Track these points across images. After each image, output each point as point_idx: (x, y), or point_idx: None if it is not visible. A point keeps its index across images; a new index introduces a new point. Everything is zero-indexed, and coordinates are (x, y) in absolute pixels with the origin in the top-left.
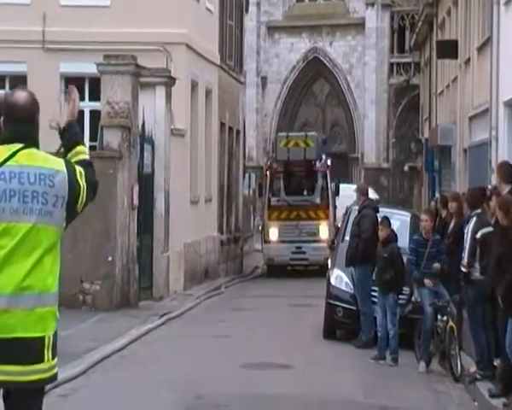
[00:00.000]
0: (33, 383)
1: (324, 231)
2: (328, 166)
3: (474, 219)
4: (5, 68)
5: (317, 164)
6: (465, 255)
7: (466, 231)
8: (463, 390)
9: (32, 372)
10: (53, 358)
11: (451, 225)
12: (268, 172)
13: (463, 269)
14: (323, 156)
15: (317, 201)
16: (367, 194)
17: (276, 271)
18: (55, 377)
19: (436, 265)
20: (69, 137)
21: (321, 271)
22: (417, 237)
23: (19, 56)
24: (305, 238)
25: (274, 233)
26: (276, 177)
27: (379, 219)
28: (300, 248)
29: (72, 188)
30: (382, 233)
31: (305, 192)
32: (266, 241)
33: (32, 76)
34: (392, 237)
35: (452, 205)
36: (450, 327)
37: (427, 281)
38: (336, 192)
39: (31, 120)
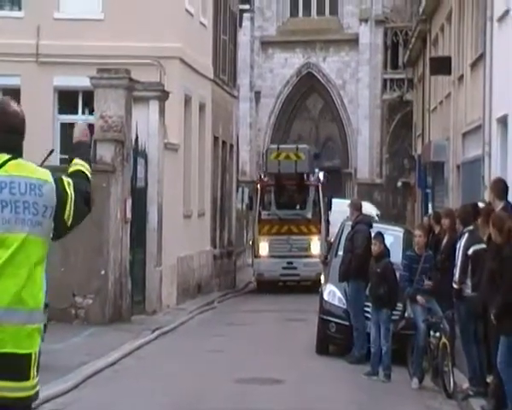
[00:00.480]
0: (22, 401)
1: (316, 246)
2: (320, 180)
3: (466, 235)
4: None
5: (309, 178)
6: (457, 272)
7: (458, 247)
8: (456, 407)
9: (21, 389)
10: (37, 375)
11: (444, 241)
12: (259, 186)
13: (455, 285)
14: (316, 170)
15: (309, 215)
16: (360, 209)
17: (266, 286)
18: (37, 395)
19: (428, 282)
20: (73, 154)
21: (313, 287)
22: (410, 252)
23: (12, 69)
24: (297, 253)
25: (264, 248)
26: (266, 190)
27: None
28: (291, 263)
29: (59, 197)
30: (376, 248)
31: (296, 206)
32: (256, 256)
33: (25, 89)
34: (385, 252)
35: (445, 221)
36: (442, 343)
37: (419, 298)
38: (329, 207)
39: (19, 132)
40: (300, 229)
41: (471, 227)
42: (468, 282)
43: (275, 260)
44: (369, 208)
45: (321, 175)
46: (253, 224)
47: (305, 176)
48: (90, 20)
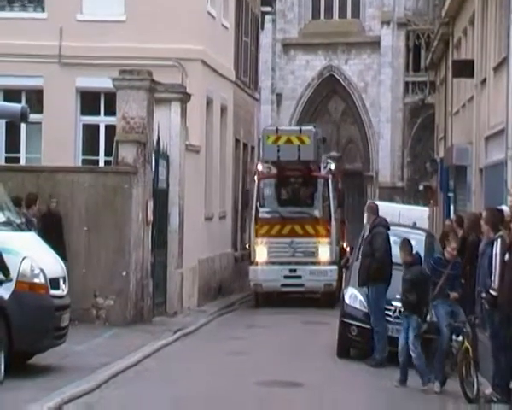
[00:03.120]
0: None
1: (325, 251)
2: (330, 170)
3: (499, 241)
4: (21, 82)
5: (318, 167)
6: (495, 278)
7: (494, 253)
8: None
9: None
10: None
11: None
12: (256, 178)
13: (494, 293)
14: (327, 160)
15: (317, 213)
16: (377, 212)
17: (265, 299)
18: None
19: (454, 294)
20: None
21: (323, 300)
22: (439, 255)
23: (35, 71)
24: (301, 259)
25: (262, 253)
26: (265, 183)
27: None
28: (295, 271)
29: None
30: (403, 257)
31: (301, 202)
32: (253, 262)
33: (48, 90)
34: (417, 259)
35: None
36: (465, 348)
37: (454, 294)
38: (341, 203)
39: None
40: (306, 230)
41: (501, 233)
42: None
43: (275, 267)
44: (421, 213)
45: (332, 165)
46: (250, 223)
47: (311, 165)
48: (112, 21)
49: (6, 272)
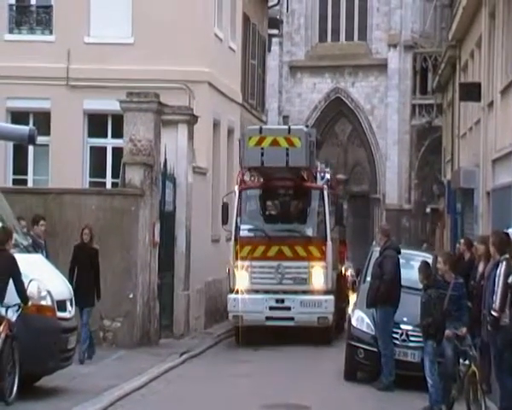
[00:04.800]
0: None
1: (319, 278)
2: (327, 179)
3: (504, 263)
4: (29, 104)
5: (313, 176)
6: (497, 300)
7: (497, 275)
8: None
9: None
10: None
11: (480, 268)
12: (236, 189)
13: (495, 314)
14: (320, 165)
15: (310, 232)
16: (389, 235)
17: (247, 335)
18: None
19: (462, 329)
20: None
21: (316, 337)
22: (439, 278)
23: (43, 93)
24: (291, 287)
25: (243, 279)
26: (248, 195)
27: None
28: (282, 301)
29: None
30: (422, 279)
31: (291, 219)
32: (232, 290)
33: (55, 112)
34: (431, 282)
35: (480, 248)
36: (472, 371)
37: (448, 332)
38: (339, 220)
39: None
40: (296, 252)
41: (507, 255)
42: (507, 311)
43: (258, 296)
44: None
45: (327, 174)
46: (230, 244)
47: (302, 172)
48: (120, 44)
49: (26, 299)
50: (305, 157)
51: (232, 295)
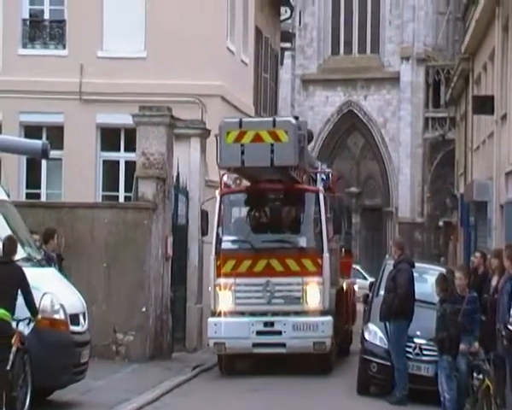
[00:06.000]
0: None
1: (315, 296)
2: (325, 181)
3: None
4: (42, 119)
5: (305, 176)
6: None
7: None
8: None
9: None
10: None
11: (494, 281)
12: (218, 194)
13: (511, 328)
14: (316, 163)
15: (303, 242)
16: (403, 248)
17: (232, 364)
18: None
19: (475, 345)
20: None
21: (314, 364)
22: (454, 292)
23: (56, 107)
24: (281, 308)
25: (226, 299)
26: (231, 200)
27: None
28: (272, 324)
29: None
30: (438, 292)
31: (281, 227)
32: (214, 312)
33: (68, 127)
34: (448, 295)
35: (494, 262)
36: (486, 385)
37: (462, 347)
38: (337, 228)
39: None
40: (287, 266)
41: None
42: None
43: (244, 319)
44: None
45: (324, 174)
46: (210, 258)
47: (292, 173)
48: (132, 58)
49: (35, 312)
50: (294, 154)
51: (213, 319)
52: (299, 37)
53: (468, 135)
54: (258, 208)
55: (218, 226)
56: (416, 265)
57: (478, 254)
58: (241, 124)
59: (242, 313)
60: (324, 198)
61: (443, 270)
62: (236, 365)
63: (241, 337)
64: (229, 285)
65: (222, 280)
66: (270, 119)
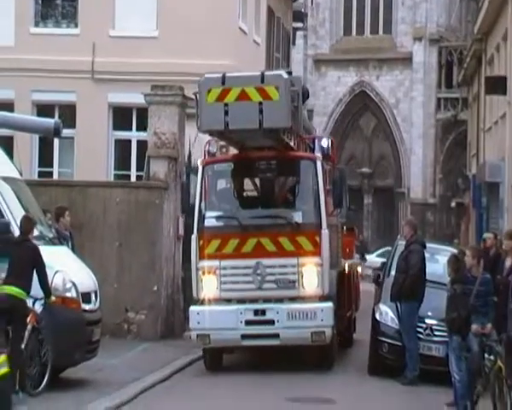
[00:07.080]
0: None
1: (312, 279)
2: (324, 149)
3: None
4: (55, 97)
5: (301, 141)
6: None
7: None
8: None
9: None
10: None
11: (507, 263)
12: (200, 165)
13: None
14: (310, 126)
15: (298, 218)
16: (416, 229)
17: (217, 358)
18: None
19: (488, 326)
20: None
21: (312, 357)
22: (466, 273)
23: (68, 86)
24: (274, 293)
25: (210, 284)
26: (215, 171)
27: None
28: (264, 313)
29: None
30: (450, 273)
31: (273, 201)
32: (196, 300)
33: (80, 105)
34: (459, 276)
35: (508, 243)
36: (498, 367)
37: (475, 327)
38: (339, 203)
39: None
40: (281, 245)
41: None
42: None
43: (231, 307)
44: None
45: (323, 141)
46: (192, 238)
47: (285, 137)
48: (144, 37)
49: (48, 292)
50: (287, 114)
51: (196, 307)
52: (311, 17)
53: (481, 116)
54: (246, 180)
55: (200, 201)
56: (428, 245)
57: (491, 234)
58: (224, 80)
59: (229, 301)
60: (323, 167)
61: (454, 251)
62: (224, 359)
63: (228, 328)
64: (214, 269)
65: (205, 263)
66: (258, 73)
